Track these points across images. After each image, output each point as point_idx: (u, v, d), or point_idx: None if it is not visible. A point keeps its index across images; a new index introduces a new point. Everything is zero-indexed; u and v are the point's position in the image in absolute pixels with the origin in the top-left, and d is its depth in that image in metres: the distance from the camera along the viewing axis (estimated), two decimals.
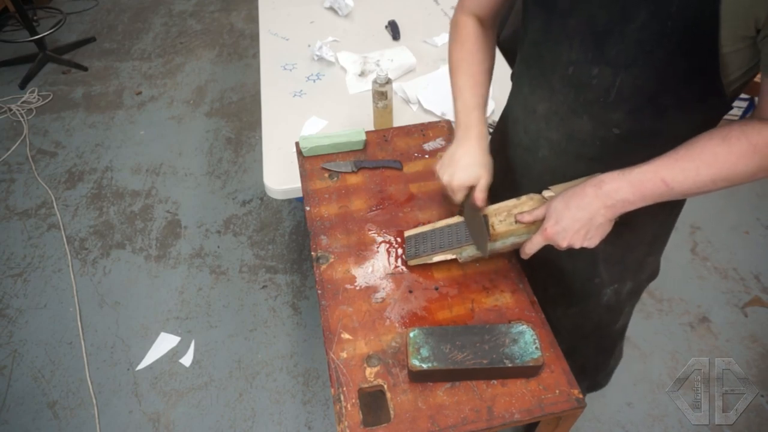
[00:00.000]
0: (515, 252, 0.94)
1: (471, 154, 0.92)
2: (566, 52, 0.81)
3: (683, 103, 0.76)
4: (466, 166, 0.92)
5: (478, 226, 0.91)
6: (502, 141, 1.07)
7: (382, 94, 1.35)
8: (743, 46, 0.68)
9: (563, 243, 0.80)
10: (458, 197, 0.95)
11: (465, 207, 0.95)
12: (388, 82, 1.34)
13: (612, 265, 1.02)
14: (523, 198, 0.91)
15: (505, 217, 0.90)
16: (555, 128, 0.90)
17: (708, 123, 0.81)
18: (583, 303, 1.10)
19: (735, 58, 0.69)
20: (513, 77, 1.01)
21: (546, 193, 0.88)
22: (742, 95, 2.41)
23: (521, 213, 0.87)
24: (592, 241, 0.80)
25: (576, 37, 0.78)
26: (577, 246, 0.80)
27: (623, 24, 0.72)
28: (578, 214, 0.78)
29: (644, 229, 0.98)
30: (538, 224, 0.85)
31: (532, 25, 0.87)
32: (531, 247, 0.85)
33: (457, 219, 0.96)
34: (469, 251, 0.91)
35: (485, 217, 0.91)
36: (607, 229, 0.80)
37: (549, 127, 0.91)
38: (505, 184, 1.08)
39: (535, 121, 0.93)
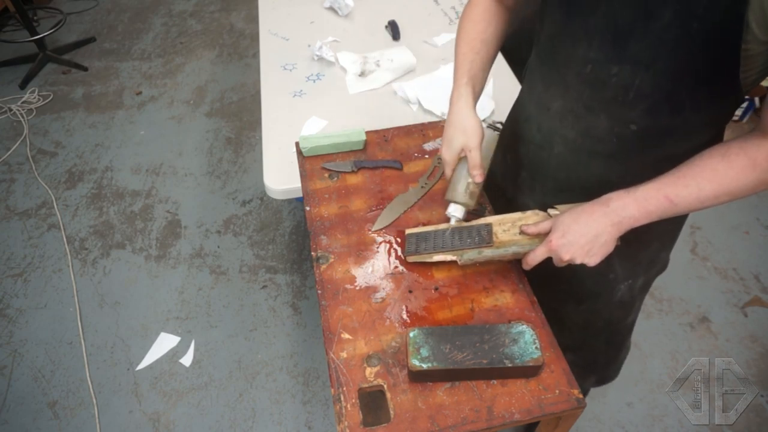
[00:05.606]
0: None
1: (453, 123, 0.93)
2: (584, 50, 0.80)
3: (699, 100, 0.77)
4: (449, 138, 0.94)
5: (459, 182, 0.94)
6: (514, 138, 1.07)
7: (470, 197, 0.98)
8: (764, 49, 0.68)
9: (566, 256, 0.81)
10: (447, 172, 0.96)
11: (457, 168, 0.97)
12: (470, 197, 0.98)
13: (627, 261, 1.02)
14: (528, 213, 0.93)
15: (509, 228, 0.91)
16: (570, 126, 0.90)
17: (720, 118, 0.82)
18: (594, 299, 1.10)
19: (756, 61, 0.70)
20: (525, 73, 1.01)
21: (551, 212, 0.90)
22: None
23: (527, 225, 0.89)
24: (593, 259, 0.81)
25: (596, 35, 0.78)
26: (577, 261, 0.81)
27: (646, 23, 0.71)
28: (585, 229, 0.79)
29: (660, 225, 0.98)
30: (541, 238, 0.86)
31: (550, 20, 0.86)
32: (533, 258, 0.85)
33: (460, 224, 0.97)
34: (470, 255, 0.91)
35: (489, 225, 0.92)
36: (610, 248, 0.81)
37: (563, 125, 0.91)
38: (517, 181, 1.08)
39: (548, 119, 0.93)
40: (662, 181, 0.75)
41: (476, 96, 0.96)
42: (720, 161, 0.72)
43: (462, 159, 0.95)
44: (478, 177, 0.93)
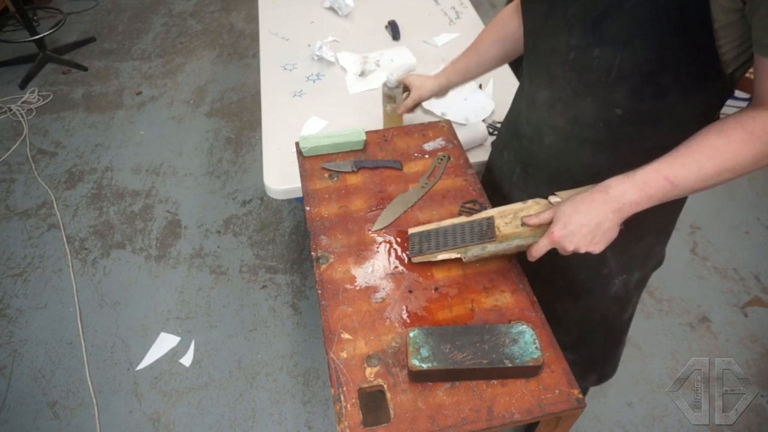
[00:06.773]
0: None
1: (424, 76, 1.24)
2: (565, 39, 0.82)
3: (683, 84, 0.77)
4: (415, 76, 1.25)
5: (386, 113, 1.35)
6: (509, 135, 1.08)
7: (390, 98, 1.33)
8: (735, 18, 0.69)
9: (569, 247, 0.81)
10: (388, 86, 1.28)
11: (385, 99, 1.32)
12: (398, 86, 1.31)
13: (620, 255, 1.02)
14: (529, 202, 0.92)
15: (511, 220, 0.91)
16: (558, 114, 0.91)
17: (709, 109, 0.82)
18: (591, 295, 1.10)
19: (729, 33, 0.70)
20: (520, 71, 1.04)
21: (552, 199, 0.90)
22: (743, 95, 2.41)
23: (528, 216, 0.88)
24: (597, 247, 0.81)
25: (575, 23, 0.80)
26: (582, 251, 0.81)
27: (620, 4, 0.73)
28: (586, 218, 0.79)
29: (652, 219, 0.98)
30: (544, 228, 0.86)
31: (531, 16, 0.88)
32: (538, 250, 0.85)
33: (461, 219, 0.97)
34: (474, 251, 0.91)
35: (491, 218, 0.92)
36: (613, 235, 0.81)
37: (551, 114, 0.92)
38: (512, 177, 1.09)
39: (536, 111, 0.95)
40: (661, 162, 0.75)
41: (449, 81, 1.20)
42: (717, 137, 0.71)
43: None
44: (399, 110, 1.29)
